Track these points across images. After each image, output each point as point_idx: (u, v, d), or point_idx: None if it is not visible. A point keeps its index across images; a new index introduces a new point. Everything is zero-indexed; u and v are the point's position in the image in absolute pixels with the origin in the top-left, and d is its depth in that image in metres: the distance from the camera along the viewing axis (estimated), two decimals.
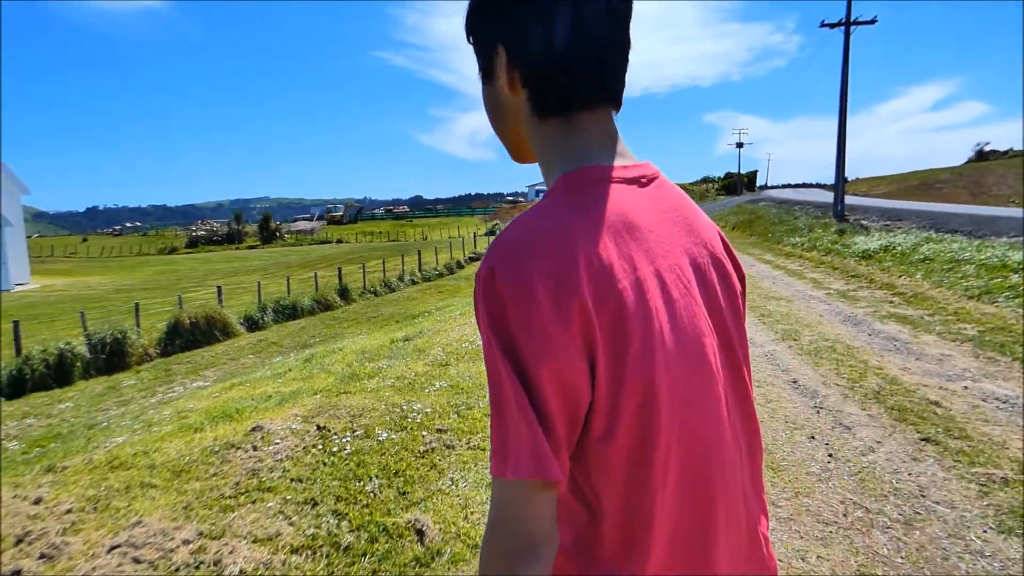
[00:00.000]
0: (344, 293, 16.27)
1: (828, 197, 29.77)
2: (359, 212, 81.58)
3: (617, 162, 0.73)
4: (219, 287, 13.55)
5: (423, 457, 3.49)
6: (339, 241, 57.74)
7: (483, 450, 3.53)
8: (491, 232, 36.73)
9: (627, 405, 0.62)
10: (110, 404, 8.32)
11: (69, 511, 3.36)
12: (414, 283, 19.29)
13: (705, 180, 77.22)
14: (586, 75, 0.72)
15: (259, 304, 14.07)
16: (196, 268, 35.83)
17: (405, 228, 66.63)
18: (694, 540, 0.68)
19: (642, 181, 0.74)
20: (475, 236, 28.44)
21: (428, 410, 4.28)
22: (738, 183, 68.04)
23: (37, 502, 3.78)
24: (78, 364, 9.79)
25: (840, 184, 20.25)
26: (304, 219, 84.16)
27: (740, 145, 70.14)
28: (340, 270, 17.16)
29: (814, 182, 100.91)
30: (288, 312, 14.37)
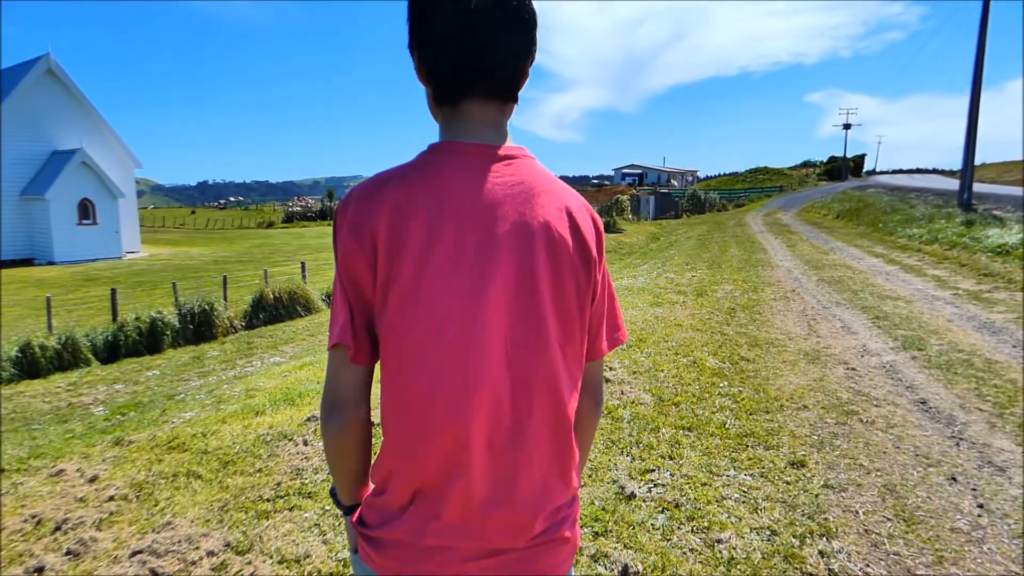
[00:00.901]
0: None
1: (947, 184, 26.95)
2: None
3: (480, 141, 0.92)
4: (303, 263, 13.77)
5: None
6: None
7: None
8: None
9: (391, 303, 0.87)
10: (192, 375, 8.53)
11: (112, 498, 3.22)
12: None
13: (805, 164, 72.43)
14: (472, 75, 0.90)
15: None
16: (289, 242, 37.37)
17: None
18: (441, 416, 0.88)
19: (493, 158, 0.92)
20: None
21: None
22: (843, 168, 63.27)
23: (92, 480, 3.70)
24: (168, 333, 10.16)
25: (969, 169, 18.07)
26: None
27: (847, 126, 65.11)
28: None
29: (930, 167, 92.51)
30: None
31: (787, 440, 3.39)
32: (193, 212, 75.84)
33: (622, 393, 4.11)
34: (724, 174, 77.32)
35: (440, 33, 0.89)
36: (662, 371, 4.62)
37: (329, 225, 51.26)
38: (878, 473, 3.03)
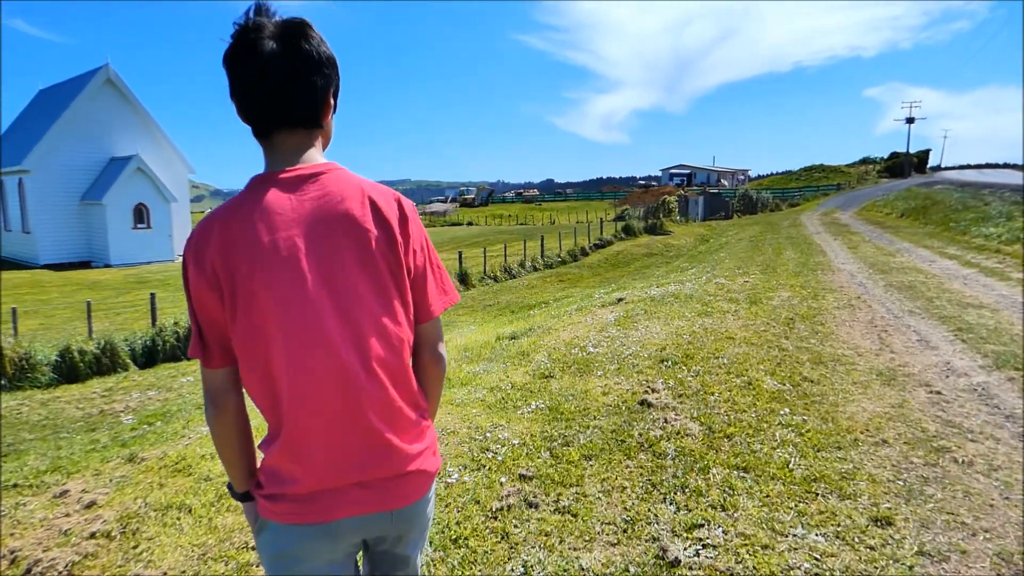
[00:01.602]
0: (464, 278, 15.93)
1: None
2: (490, 195, 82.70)
3: (285, 167, 1.17)
4: None
5: (494, 518, 2.64)
6: (469, 224, 58.72)
7: (573, 516, 2.62)
8: (620, 217, 35.13)
9: (236, 308, 1.10)
10: None
11: (94, 535, 2.92)
12: (535, 269, 18.59)
13: (864, 161, 69.14)
14: (258, 117, 1.18)
15: None
16: None
17: (534, 212, 66.41)
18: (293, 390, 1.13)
19: (294, 180, 1.16)
20: (602, 221, 27.22)
21: (515, 442, 3.44)
22: (906, 164, 60.08)
23: (89, 506, 3.44)
24: None
25: None
26: (439, 201, 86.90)
27: (911, 120, 61.94)
28: (460, 254, 16.83)
29: (1001, 162, 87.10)
30: None
31: (866, 487, 2.83)
32: None
33: (665, 422, 3.60)
34: (777, 173, 74.73)
35: (243, 82, 1.15)
36: (712, 394, 4.09)
37: None
38: (987, 535, 2.45)
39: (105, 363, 9.09)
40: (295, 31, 1.15)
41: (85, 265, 24.66)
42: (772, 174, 76.22)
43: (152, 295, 10.68)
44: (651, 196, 32.97)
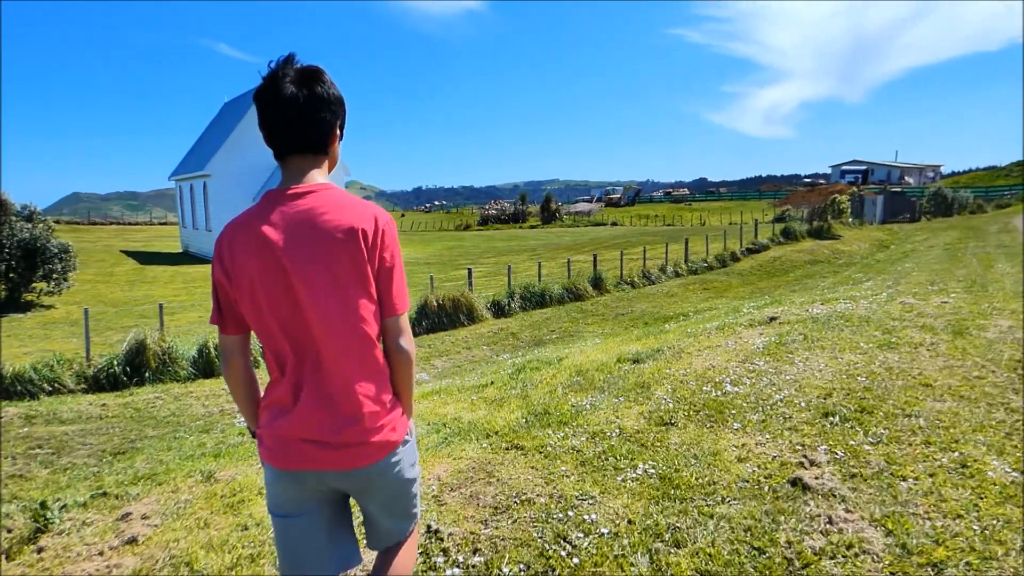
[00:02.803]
0: (598, 283, 14.95)
1: None
2: (637, 194, 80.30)
3: (285, 186, 1.46)
4: (469, 269, 13.33)
5: None
6: (614, 224, 57.26)
7: None
8: (779, 219, 31.85)
9: (240, 292, 1.43)
10: None
11: None
12: (678, 275, 17.09)
13: None
14: (277, 144, 1.47)
15: (508, 289, 13.53)
16: (479, 244, 38.47)
17: (683, 212, 63.23)
18: (289, 367, 1.45)
19: (293, 196, 1.43)
20: (757, 223, 24.63)
21: (605, 530, 2.52)
22: None
23: (129, 542, 3.10)
24: None
25: None
26: (584, 200, 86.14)
27: None
28: (595, 257, 15.86)
29: None
30: (536, 300, 13.58)
31: None
32: (403, 215, 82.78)
33: (829, 523, 2.48)
34: (978, 168, 64.41)
35: (267, 116, 1.46)
36: (904, 479, 2.85)
37: (520, 228, 52.45)
38: None
39: None
40: (311, 77, 1.45)
41: None
42: (972, 170, 65.86)
43: None
44: (818, 195, 29.46)
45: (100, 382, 8.48)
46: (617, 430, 3.71)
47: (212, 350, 9.23)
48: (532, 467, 3.25)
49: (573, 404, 4.44)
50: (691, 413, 3.90)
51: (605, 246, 27.45)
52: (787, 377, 4.48)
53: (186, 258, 28.70)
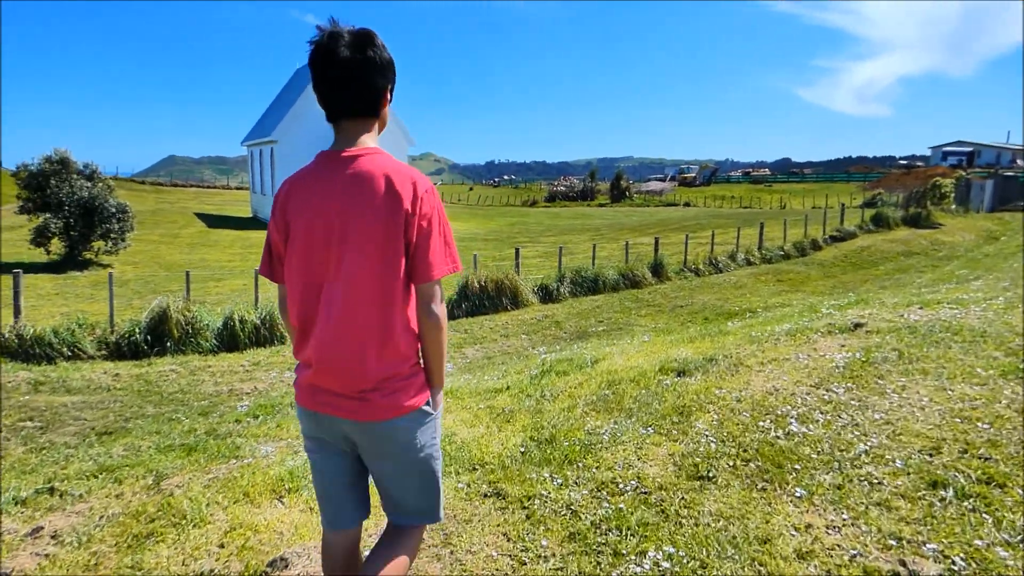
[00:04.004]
0: (658, 269, 13.74)
1: None
2: (713, 174, 76.63)
3: (339, 147, 1.52)
4: (517, 249, 12.43)
5: None
6: (686, 204, 54.76)
7: None
8: (869, 203, 29.06)
9: (292, 251, 1.53)
10: None
11: None
12: (749, 263, 15.58)
13: None
14: (330, 106, 1.52)
15: (558, 272, 12.57)
16: (542, 222, 37.45)
17: (762, 194, 59.73)
18: (306, 318, 1.54)
19: (346, 159, 1.49)
20: (844, 208, 22.35)
21: None
22: None
23: None
24: None
25: None
26: (657, 179, 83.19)
27: None
28: (657, 241, 14.59)
29: None
30: (588, 285, 12.56)
31: None
32: (471, 189, 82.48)
33: None
34: None
35: (321, 79, 1.50)
36: None
37: (588, 205, 51.20)
38: None
39: (264, 334, 8.96)
40: (363, 40, 1.48)
41: None
42: None
43: None
44: (915, 179, 26.64)
45: (121, 349, 8.20)
46: (634, 481, 2.78)
47: (237, 323, 8.82)
48: (504, 535, 2.39)
49: (589, 431, 3.53)
50: (738, 463, 2.91)
51: (672, 228, 25.87)
52: (876, 416, 3.39)
53: (253, 223, 29.14)
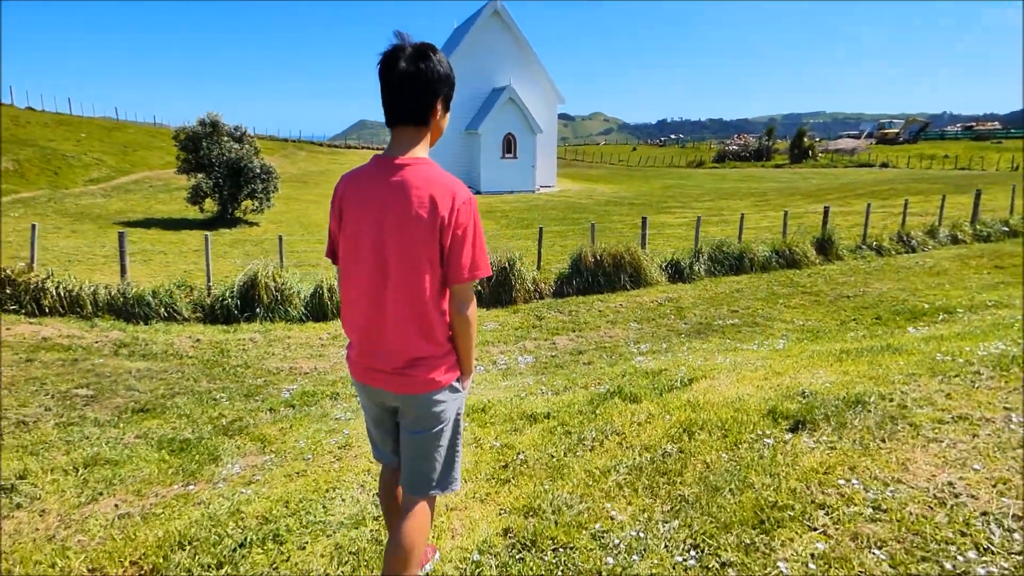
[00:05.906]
0: (825, 245, 11.21)
1: None
2: (923, 129, 65.32)
3: (392, 154, 1.67)
4: (644, 219, 10.70)
5: None
6: (883, 165, 47.23)
7: None
8: None
9: (344, 239, 1.73)
10: None
11: None
12: (955, 242, 12.27)
13: None
14: (387, 113, 1.67)
15: (694, 247, 10.71)
16: (702, 184, 34.22)
17: (986, 152, 49.67)
18: (353, 306, 1.76)
19: (391, 165, 1.65)
20: None
21: None
22: None
23: None
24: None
25: None
26: (849, 136, 73.14)
27: None
28: (827, 210, 11.93)
29: None
30: (731, 263, 10.55)
31: None
32: (634, 149, 78.89)
33: None
34: None
35: (384, 88, 1.65)
36: None
37: (763, 166, 46.36)
38: None
39: None
40: (421, 54, 1.61)
41: None
42: None
43: None
44: None
45: (215, 313, 8.14)
46: None
47: (326, 292, 8.39)
48: None
49: (597, 535, 2.19)
50: None
51: (857, 193, 21.95)
52: None
53: None
